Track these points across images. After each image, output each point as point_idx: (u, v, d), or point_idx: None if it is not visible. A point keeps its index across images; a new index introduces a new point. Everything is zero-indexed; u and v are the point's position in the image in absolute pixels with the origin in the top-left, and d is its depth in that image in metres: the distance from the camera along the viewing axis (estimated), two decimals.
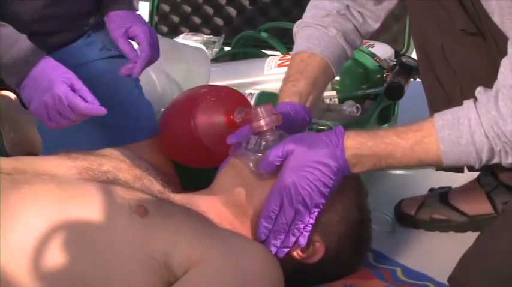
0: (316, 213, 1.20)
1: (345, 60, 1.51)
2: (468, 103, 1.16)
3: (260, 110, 1.23)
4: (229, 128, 1.38)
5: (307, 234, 1.21)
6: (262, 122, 1.23)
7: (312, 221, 1.20)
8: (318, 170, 1.18)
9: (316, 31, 1.45)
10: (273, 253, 1.21)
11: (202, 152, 1.45)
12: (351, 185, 1.28)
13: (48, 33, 1.53)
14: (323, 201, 1.19)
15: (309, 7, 1.51)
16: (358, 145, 1.19)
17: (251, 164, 1.23)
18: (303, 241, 1.21)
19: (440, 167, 1.37)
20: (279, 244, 1.21)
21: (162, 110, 1.67)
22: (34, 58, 1.37)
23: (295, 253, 1.23)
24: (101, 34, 1.61)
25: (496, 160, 1.16)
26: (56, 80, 1.33)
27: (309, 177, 1.18)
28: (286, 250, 1.21)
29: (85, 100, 1.33)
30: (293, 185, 1.18)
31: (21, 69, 1.36)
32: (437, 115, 1.18)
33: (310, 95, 1.39)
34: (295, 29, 1.51)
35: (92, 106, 1.32)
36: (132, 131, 1.52)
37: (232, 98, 1.49)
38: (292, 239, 1.20)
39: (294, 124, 1.32)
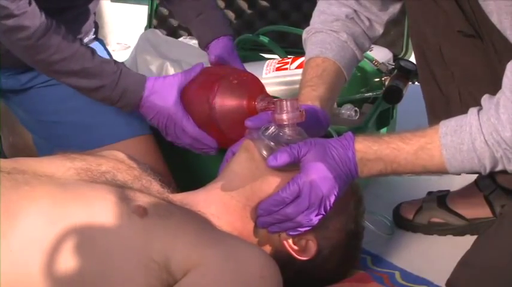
0: (321, 216, 1.19)
1: (355, 64, 1.52)
2: (472, 110, 1.15)
3: (285, 104, 1.19)
4: (249, 113, 1.35)
5: (302, 230, 1.20)
6: (285, 116, 1.19)
7: (315, 222, 1.19)
8: (338, 177, 1.17)
9: (327, 36, 1.46)
10: (263, 227, 1.21)
11: (214, 133, 1.43)
12: (354, 197, 1.30)
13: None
14: (331, 206, 1.19)
15: (316, 13, 1.51)
16: (365, 148, 1.19)
17: (264, 151, 1.20)
18: (292, 233, 1.20)
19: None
20: (274, 225, 1.20)
21: None
22: (139, 88, 1.43)
23: (285, 242, 1.23)
24: None
25: (500, 167, 1.15)
26: (171, 103, 1.42)
27: (333, 180, 1.17)
28: (277, 230, 1.21)
29: None
30: (318, 182, 1.16)
31: (131, 101, 1.44)
32: (442, 122, 1.18)
33: (329, 100, 1.40)
34: (304, 35, 1.51)
35: (201, 133, 1.42)
36: (118, 128, 1.54)
37: (255, 84, 1.46)
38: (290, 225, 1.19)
39: (313, 127, 1.30)
